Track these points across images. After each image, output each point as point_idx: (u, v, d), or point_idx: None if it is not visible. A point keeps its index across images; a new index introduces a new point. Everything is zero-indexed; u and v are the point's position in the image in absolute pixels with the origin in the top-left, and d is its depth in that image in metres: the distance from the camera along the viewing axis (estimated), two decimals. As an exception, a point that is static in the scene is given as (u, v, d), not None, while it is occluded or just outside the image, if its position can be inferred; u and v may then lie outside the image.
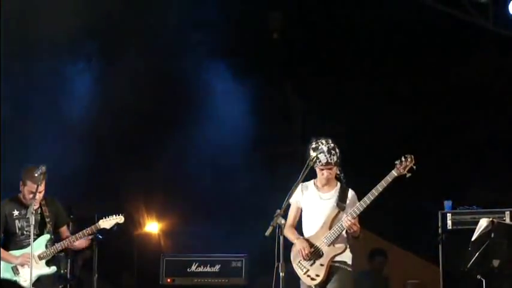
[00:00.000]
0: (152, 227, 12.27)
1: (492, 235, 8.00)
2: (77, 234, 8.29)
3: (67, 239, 8.28)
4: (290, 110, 12.37)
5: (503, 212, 9.26)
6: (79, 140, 11.04)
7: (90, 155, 11.12)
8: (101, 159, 11.27)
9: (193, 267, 9.82)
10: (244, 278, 9.72)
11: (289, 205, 7.61)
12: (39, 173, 8.03)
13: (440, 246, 9.50)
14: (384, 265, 11.08)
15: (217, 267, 9.78)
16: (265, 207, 8.39)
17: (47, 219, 8.27)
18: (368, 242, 10.36)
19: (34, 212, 8.09)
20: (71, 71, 10.91)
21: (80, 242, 8.35)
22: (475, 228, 8.09)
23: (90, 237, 8.35)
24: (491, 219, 8.13)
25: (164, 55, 11.27)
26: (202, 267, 9.80)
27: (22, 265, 8.16)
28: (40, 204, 8.27)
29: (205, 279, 9.76)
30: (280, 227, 7.19)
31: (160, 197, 11.96)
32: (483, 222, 8.05)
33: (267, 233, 7.19)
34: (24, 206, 8.22)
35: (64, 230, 8.49)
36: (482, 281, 8.01)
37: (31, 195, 8.11)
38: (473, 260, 7.95)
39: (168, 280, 9.87)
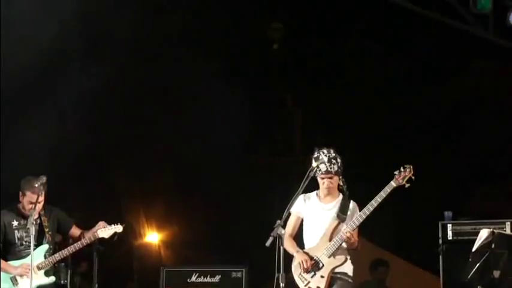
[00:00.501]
0: (152, 237, 12.26)
1: (493, 246, 7.97)
2: (75, 244, 8.27)
3: (66, 249, 8.25)
4: (290, 121, 12.39)
5: (504, 223, 9.23)
6: (77, 149, 11.06)
7: (90, 165, 11.13)
8: (100, 170, 11.28)
9: (193, 278, 9.79)
10: (244, 289, 9.69)
11: (289, 215, 7.60)
12: (39, 183, 8.02)
13: (440, 257, 9.47)
14: (386, 275, 11.07)
15: (217, 278, 9.75)
16: (266, 217, 8.38)
17: (46, 229, 8.25)
18: (370, 253, 10.36)
19: (34, 222, 8.09)
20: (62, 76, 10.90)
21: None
22: (476, 239, 8.07)
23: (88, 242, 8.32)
24: (491, 229, 8.11)
25: (164, 63, 11.28)
26: (202, 277, 9.77)
27: (21, 275, 8.15)
28: (39, 214, 8.26)
29: (205, 290, 9.74)
30: (281, 238, 7.17)
31: (160, 208, 11.97)
32: (484, 233, 8.02)
33: (267, 244, 7.17)
34: (23, 216, 8.20)
35: (74, 232, 8.44)
36: (483, 292, 7.98)
37: (31, 206, 8.10)
38: (473, 270, 7.92)
39: (168, 290, 9.84)
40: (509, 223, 9.22)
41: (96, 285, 10.27)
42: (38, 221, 8.25)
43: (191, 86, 11.49)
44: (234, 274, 9.74)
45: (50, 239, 8.27)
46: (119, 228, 8.36)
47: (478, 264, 7.92)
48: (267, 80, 11.78)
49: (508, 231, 8.95)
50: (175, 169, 11.61)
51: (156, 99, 11.50)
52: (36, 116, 10.66)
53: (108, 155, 11.57)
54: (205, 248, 11.15)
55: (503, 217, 9.29)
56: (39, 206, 8.16)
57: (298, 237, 7.83)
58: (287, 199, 7.55)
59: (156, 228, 12.19)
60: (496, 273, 7.97)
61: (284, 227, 7.30)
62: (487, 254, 7.94)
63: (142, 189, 11.75)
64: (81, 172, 11.05)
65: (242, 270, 9.76)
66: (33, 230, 7.95)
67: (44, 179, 8.04)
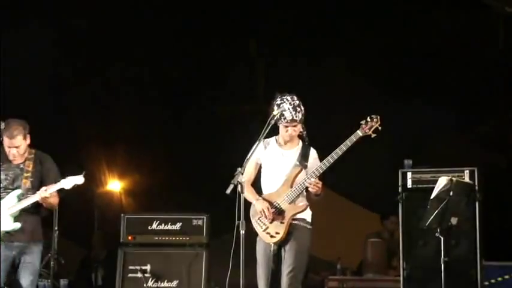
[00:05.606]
0: (114, 185, 12.24)
1: (451, 193, 8.08)
2: (41, 190, 8.17)
3: (32, 196, 8.14)
4: (253, 67, 12.32)
5: (463, 171, 9.33)
6: (40, 93, 10.96)
7: (52, 110, 11.06)
8: (62, 115, 11.20)
9: (154, 225, 9.80)
10: (205, 236, 9.73)
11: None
12: (15, 127, 8.01)
13: (400, 205, 9.56)
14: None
15: (178, 225, 9.77)
16: (227, 165, 8.37)
17: (24, 174, 8.19)
18: (328, 200, 10.40)
19: (15, 166, 8.07)
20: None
21: (54, 198, 8.24)
22: (435, 187, 8.15)
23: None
24: (450, 177, 8.21)
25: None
26: (163, 225, 9.79)
27: None
28: (26, 158, 8.21)
29: (166, 237, 9.76)
30: (241, 185, 7.17)
31: (122, 156, 11.94)
32: (442, 181, 8.11)
33: (228, 191, 7.17)
34: (5, 160, 8.16)
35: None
36: (441, 238, 8.09)
37: (9, 150, 8.09)
38: (432, 217, 8.03)
39: (129, 238, 9.84)
40: (467, 171, 9.30)
41: (57, 232, 10.28)
42: (21, 166, 8.20)
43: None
44: (194, 222, 9.76)
45: (27, 184, 8.20)
46: (79, 179, 8.29)
47: (436, 211, 8.02)
48: (232, 27, 11.68)
49: (466, 179, 9.05)
50: (138, 117, 11.56)
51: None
52: None
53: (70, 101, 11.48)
54: (167, 196, 11.16)
55: (462, 165, 9.38)
56: (18, 151, 8.11)
57: (256, 183, 7.81)
58: (248, 147, 7.55)
59: (118, 176, 12.15)
60: (454, 220, 8.09)
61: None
62: (445, 201, 8.04)
63: (104, 136, 11.69)
64: (43, 118, 10.96)
65: (203, 218, 9.78)
66: None
67: (23, 123, 8.05)
